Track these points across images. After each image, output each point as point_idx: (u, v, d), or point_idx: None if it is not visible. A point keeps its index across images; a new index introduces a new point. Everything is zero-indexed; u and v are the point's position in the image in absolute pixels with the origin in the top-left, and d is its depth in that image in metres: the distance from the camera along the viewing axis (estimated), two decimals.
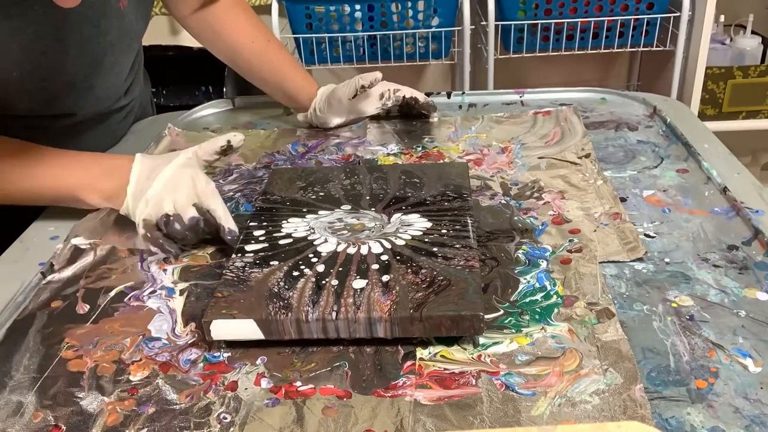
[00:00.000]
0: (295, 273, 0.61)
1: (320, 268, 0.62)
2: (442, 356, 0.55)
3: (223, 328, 0.56)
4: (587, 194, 0.78)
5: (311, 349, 0.57)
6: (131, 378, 0.55)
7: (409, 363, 0.55)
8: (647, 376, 0.52)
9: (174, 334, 0.60)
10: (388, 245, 0.65)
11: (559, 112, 1.00)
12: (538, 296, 0.61)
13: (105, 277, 0.69)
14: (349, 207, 0.73)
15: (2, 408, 0.53)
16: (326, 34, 1.73)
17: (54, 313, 0.64)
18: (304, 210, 0.73)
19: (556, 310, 0.59)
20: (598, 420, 0.48)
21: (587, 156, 0.86)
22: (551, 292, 0.62)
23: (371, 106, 0.99)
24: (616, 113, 1.01)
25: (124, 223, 0.75)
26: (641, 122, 0.97)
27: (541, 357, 0.54)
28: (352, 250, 0.64)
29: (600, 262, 0.65)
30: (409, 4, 1.70)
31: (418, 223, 0.69)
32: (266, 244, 0.66)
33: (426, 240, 0.65)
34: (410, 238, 0.66)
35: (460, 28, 1.75)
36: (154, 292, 0.66)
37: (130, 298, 0.65)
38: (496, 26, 1.73)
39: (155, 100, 1.19)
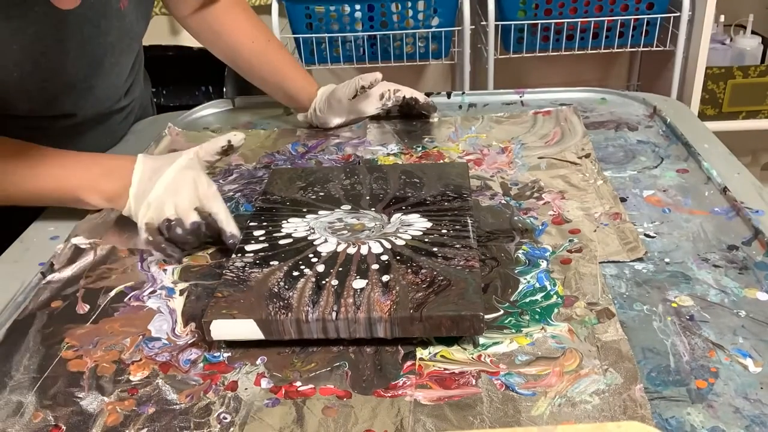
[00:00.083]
0: (295, 273, 0.61)
1: (320, 268, 0.62)
2: (442, 356, 0.55)
3: (223, 328, 0.56)
4: (587, 194, 0.78)
5: (311, 349, 0.57)
6: (131, 378, 0.55)
7: (409, 363, 0.55)
8: (647, 376, 0.52)
9: (174, 334, 0.60)
10: (388, 245, 0.65)
11: (559, 112, 1.00)
12: (538, 296, 0.61)
13: (105, 277, 0.69)
14: (349, 207, 0.73)
15: (2, 408, 0.53)
16: (326, 34, 1.73)
17: (54, 313, 0.64)
18: (304, 210, 0.73)
19: (556, 310, 0.59)
20: (598, 420, 0.48)
21: (587, 156, 0.86)
22: (551, 292, 0.62)
23: (371, 106, 0.99)
24: (616, 113, 1.01)
25: (124, 223, 0.75)
26: (641, 122, 0.97)
27: (541, 357, 0.54)
28: (352, 250, 0.64)
29: (600, 262, 0.65)
30: (409, 4, 1.70)
31: (418, 223, 0.69)
32: (266, 244, 0.66)
33: (426, 240, 0.65)
34: (410, 238, 0.66)
35: (460, 28, 1.75)
36: (154, 292, 0.66)
37: (130, 298, 0.65)
38: (496, 26, 1.73)
39: (155, 100, 1.19)
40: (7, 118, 0.79)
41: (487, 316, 0.57)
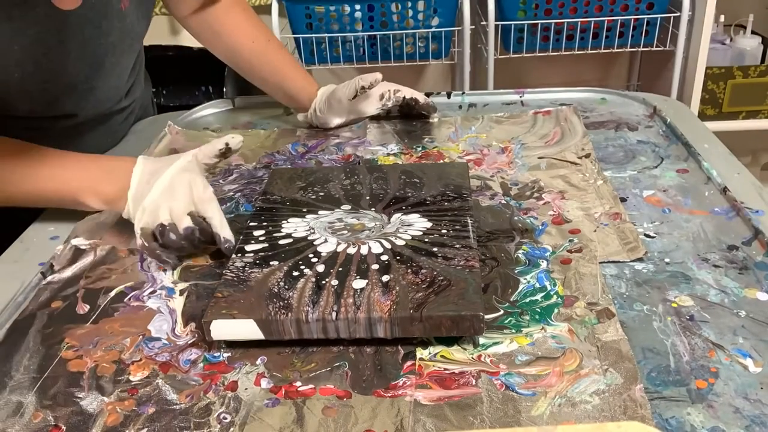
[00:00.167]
0: (295, 273, 0.61)
1: (320, 268, 0.62)
2: (442, 356, 0.55)
3: (223, 328, 0.56)
4: (587, 194, 0.78)
5: (311, 349, 0.57)
6: (131, 378, 0.55)
7: (409, 363, 0.55)
8: (647, 376, 0.52)
9: (174, 334, 0.60)
10: (388, 245, 0.65)
11: (559, 112, 1.00)
12: (538, 296, 0.61)
13: (105, 278, 0.69)
14: (349, 207, 0.73)
15: (2, 408, 0.53)
16: (326, 34, 1.73)
17: (54, 314, 0.64)
18: (304, 210, 0.73)
19: (556, 310, 0.59)
20: (598, 420, 0.48)
21: (587, 156, 0.86)
22: (551, 292, 0.62)
23: (371, 106, 0.99)
24: (616, 113, 1.01)
25: (124, 224, 0.75)
26: (641, 122, 0.97)
27: (541, 357, 0.54)
28: (352, 250, 0.64)
29: (600, 262, 0.65)
30: (409, 4, 1.70)
31: (418, 223, 0.69)
32: (266, 244, 0.66)
33: (426, 240, 0.65)
34: (410, 238, 0.66)
35: (460, 28, 1.74)
36: (154, 292, 0.66)
37: (130, 298, 0.65)
38: (496, 26, 1.73)
39: (155, 100, 1.19)
40: (8, 119, 0.79)
41: (487, 316, 0.57)
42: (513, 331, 0.57)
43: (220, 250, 0.71)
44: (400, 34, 1.75)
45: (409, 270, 0.61)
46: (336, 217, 0.71)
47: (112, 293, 0.66)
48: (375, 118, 1.01)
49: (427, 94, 1.04)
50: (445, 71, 2.12)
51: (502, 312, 0.59)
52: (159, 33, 1.94)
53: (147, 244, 0.69)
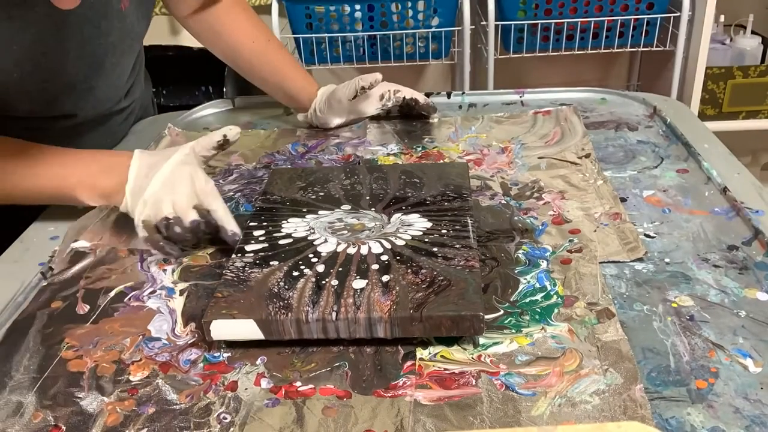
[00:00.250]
0: (295, 273, 0.61)
1: (320, 268, 0.62)
2: (442, 356, 0.55)
3: (223, 328, 0.56)
4: (587, 194, 0.78)
5: (311, 349, 0.57)
6: (131, 378, 0.55)
7: (409, 363, 0.55)
8: (647, 376, 0.52)
9: (174, 334, 0.60)
10: (388, 245, 0.65)
11: (559, 112, 1.00)
12: (538, 296, 0.61)
13: (105, 278, 0.69)
14: (349, 207, 0.73)
15: (2, 408, 0.53)
16: (326, 34, 1.73)
17: (54, 314, 0.64)
18: (304, 210, 0.73)
19: (556, 310, 0.59)
20: (598, 420, 0.48)
21: (587, 156, 0.86)
22: (551, 292, 0.62)
23: (371, 106, 0.99)
24: (616, 113, 1.01)
25: (123, 224, 0.75)
26: (641, 122, 0.97)
27: (541, 357, 0.54)
28: (352, 250, 0.64)
29: (600, 262, 0.65)
30: (409, 4, 1.70)
31: (418, 223, 0.69)
32: (266, 244, 0.66)
33: (426, 240, 0.65)
34: (410, 238, 0.66)
35: (460, 28, 1.74)
36: (154, 292, 0.66)
37: (130, 299, 0.65)
38: (496, 26, 1.73)
39: (155, 100, 1.19)
40: (8, 119, 0.79)
41: (487, 316, 0.57)
42: (513, 331, 0.57)
43: (220, 250, 0.71)
44: (400, 34, 1.75)
45: (409, 270, 0.61)
46: (336, 217, 0.71)
47: (112, 293, 0.66)
48: (375, 118, 1.01)
49: (427, 94, 1.05)
50: (445, 71, 2.12)
51: (502, 312, 0.59)
52: (159, 33, 1.94)
53: (149, 237, 0.69)
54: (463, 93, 1.10)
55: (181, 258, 0.70)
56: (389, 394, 0.52)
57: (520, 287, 0.62)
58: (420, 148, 0.92)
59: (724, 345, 0.55)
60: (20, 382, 0.56)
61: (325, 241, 0.66)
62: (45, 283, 0.68)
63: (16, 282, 0.68)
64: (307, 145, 0.96)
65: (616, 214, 0.73)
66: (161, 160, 0.73)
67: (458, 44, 1.80)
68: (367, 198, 0.75)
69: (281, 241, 0.67)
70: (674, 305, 0.59)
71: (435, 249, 0.64)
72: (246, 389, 0.53)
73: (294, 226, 0.70)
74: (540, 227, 0.72)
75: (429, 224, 0.68)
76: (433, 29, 1.73)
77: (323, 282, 0.60)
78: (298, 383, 0.54)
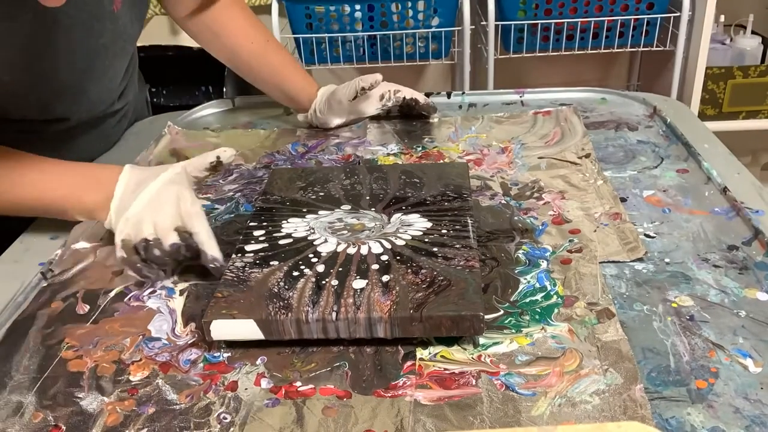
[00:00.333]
0: (295, 273, 0.61)
1: (320, 268, 0.62)
2: (442, 356, 0.55)
3: (223, 328, 0.56)
4: (587, 194, 0.78)
5: (311, 349, 0.57)
6: (131, 378, 0.55)
7: (409, 363, 0.55)
8: (647, 376, 0.52)
9: (174, 334, 0.60)
10: (388, 245, 0.65)
11: (559, 112, 1.00)
12: (538, 296, 0.61)
13: (105, 278, 0.69)
14: (349, 207, 0.73)
15: (2, 408, 0.53)
16: (326, 34, 1.73)
17: (54, 314, 0.64)
18: (304, 210, 0.73)
19: (556, 310, 0.59)
20: (598, 420, 0.48)
21: (587, 156, 0.86)
22: (551, 292, 0.62)
23: (371, 107, 0.99)
24: (616, 113, 1.01)
25: None
26: (641, 122, 0.97)
27: (541, 357, 0.54)
28: (352, 250, 0.64)
29: (600, 262, 0.65)
30: (409, 4, 1.70)
31: (418, 223, 0.69)
32: (266, 244, 0.66)
33: (426, 240, 0.65)
34: (410, 238, 0.66)
35: (460, 28, 1.74)
36: (154, 292, 0.66)
37: (130, 298, 0.65)
38: (496, 26, 1.73)
39: (155, 100, 1.19)
40: (0, 122, 0.79)
41: (487, 316, 0.57)
42: (513, 331, 0.57)
43: (220, 250, 0.71)
44: (400, 34, 1.75)
45: (409, 270, 0.61)
46: (336, 217, 0.71)
47: (112, 293, 0.66)
48: (375, 118, 1.01)
49: (427, 94, 1.05)
50: (445, 71, 2.12)
51: (502, 312, 0.59)
52: (159, 33, 1.94)
53: (127, 257, 0.66)
54: (463, 93, 1.10)
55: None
56: (389, 394, 0.52)
57: (520, 287, 0.62)
58: (420, 148, 0.92)
59: (724, 345, 0.55)
60: (20, 382, 0.56)
61: (325, 241, 0.66)
62: (45, 284, 0.68)
63: (16, 282, 0.68)
64: (307, 145, 0.96)
65: (616, 214, 0.73)
66: (150, 177, 0.70)
67: (458, 44, 1.80)
68: (367, 198, 0.75)
69: (281, 241, 0.67)
70: (674, 305, 0.59)
71: (435, 249, 0.64)
72: (246, 389, 0.53)
73: (294, 226, 0.70)
74: (540, 227, 0.72)
75: (429, 224, 0.68)
76: (433, 29, 1.73)
77: (323, 282, 0.60)
78: (298, 383, 0.54)
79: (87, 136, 0.93)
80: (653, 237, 0.69)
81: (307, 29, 1.73)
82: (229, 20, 0.99)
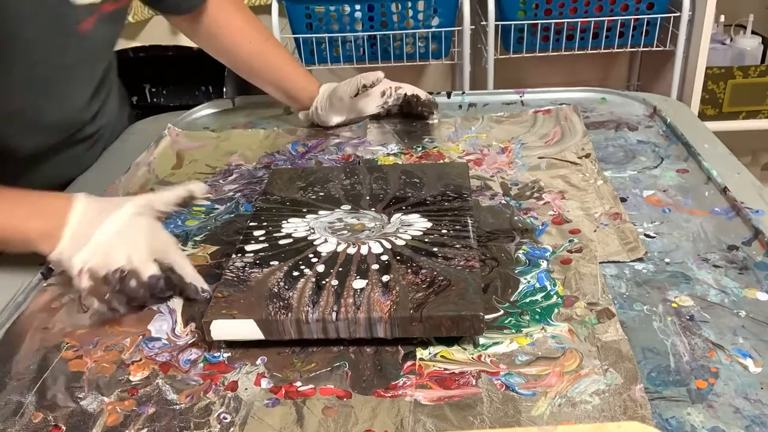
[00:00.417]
0: (295, 273, 0.61)
1: (320, 268, 0.62)
2: (442, 356, 0.55)
3: (223, 329, 0.56)
4: (587, 194, 0.78)
5: (311, 349, 0.57)
6: (131, 378, 0.55)
7: (409, 363, 0.55)
8: (647, 376, 0.52)
9: (174, 334, 0.60)
10: (388, 245, 0.65)
11: (559, 111, 1.00)
12: (539, 296, 0.61)
13: None
14: (349, 207, 0.73)
15: (2, 408, 0.53)
16: (326, 34, 1.73)
17: (54, 314, 0.64)
18: (304, 210, 0.73)
19: (556, 310, 0.59)
20: (598, 420, 0.48)
21: (587, 156, 0.86)
22: (551, 292, 0.62)
23: (372, 104, 0.99)
24: (616, 113, 1.01)
25: None
26: (641, 122, 0.97)
27: (541, 357, 0.54)
28: (352, 250, 0.64)
29: (600, 262, 0.65)
30: (409, 4, 1.70)
31: (418, 223, 0.69)
32: (266, 244, 0.66)
33: (426, 240, 0.65)
34: (410, 238, 0.66)
35: (460, 28, 1.74)
36: None
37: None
38: (496, 26, 1.73)
39: (155, 100, 1.19)
40: None
41: (487, 316, 0.57)
42: (513, 331, 0.57)
43: (220, 250, 0.71)
44: (400, 34, 1.74)
45: (409, 270, 0.61)
46: (336, 217, 0.71)
47: None
48: (375, 118, 1.01)
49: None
50: (445, 71, 2.12)
51: (502, 312, 0.59)
52: (159, 33, 1.94)
53: (94, 287, 0.61)
54: (463, 93, 1.10)
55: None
56: (389, 394, 0.52)
57: (520, 287, 0.62)
58: (420, 148, 0.92)
59: (724, 345, 0.55)
60: (20, 382, 0.56)
61: (325, 241, 0.66)
62: (45, 284, 0.68)
63: (16, 282, 0.68)
64: (307, 144, 0.96)
65: (616, 214, 0.73)
66: (112, 208, 0.65)
67: (458, 44, 1.80)
68: (367, 198, 0.75)
69: (281, 241, 0.67)
70: (674, 305, 0.59)
71: (435, 249, 0.64)
72: (246, 389, 0.53)
73: (294, 226, 0.70)
74: (540, 227, 0.72)
75: (429, 224, 0.68)
76: (433, 29, 1.73)
77: (323, 282, 0.60)
78: (298, 383, 0.54)
79: (51, 163, 0.87)
80: (653, 237, 0.69)
81: (307, 29, 1.73)
82: (226, 20, 0.98)
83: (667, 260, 0.66)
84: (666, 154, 0.87)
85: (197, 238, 0.74)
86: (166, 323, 0.61)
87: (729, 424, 0.48)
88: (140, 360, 0.57)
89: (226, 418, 0.51)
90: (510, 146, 0.91)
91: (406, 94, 0.99)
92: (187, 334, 0.60)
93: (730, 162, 0.84)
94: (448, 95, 1.10)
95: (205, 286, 0.63)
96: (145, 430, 0.50)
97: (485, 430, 0.48)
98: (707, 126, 0.95)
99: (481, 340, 0.56)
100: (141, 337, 0.60)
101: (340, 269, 0.61)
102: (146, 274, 0.62)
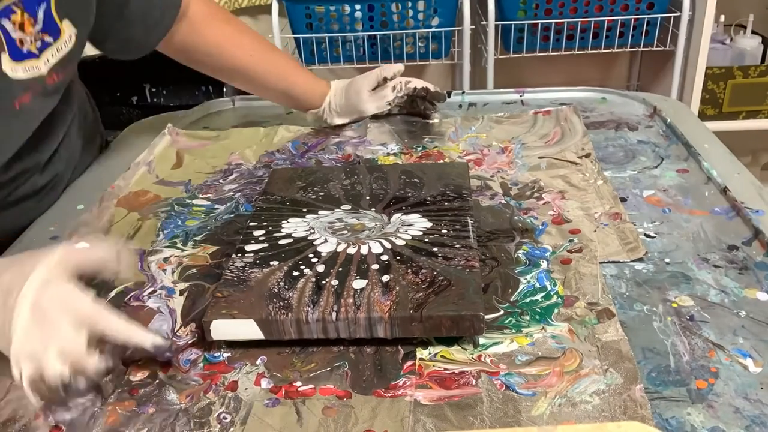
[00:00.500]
0: (295, 273, 0.61)
1: (320, 268, 0.62)
2: (442, 356, 0.55)
3: (223, 328, 0.56)
4: (587, 194, 0.78)
5: (311, 349, 0.57)
6: (131, 378, 0.55)
7: (409, 363, 0.55)
8: (647, 376, 0.52)
9: (174, 334, 0.60)
10: (388, 245, 0.65)
11: (559, 112, 1.00)
12: (539, 296, 0.61)
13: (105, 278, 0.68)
14: (349, 207, 0.73)
15: (2, 408, 0.53)
16: (326, 34, 1.73)
17: None
18: (304, 210, 0.73)
19: (556, 310, 0.59)
20: (598, 420, 0.48)
21: (587, 156, 0.86)
22: (551, 292, 0.62)
23: (383, 99, 0.98)
24: (616, 113, 1.01)
25: (123, 225, 0.75)
26: (641, 122, 0.97)
27: (541, 357, 0.54)
28: (352, 250, 0.64)
29: (600, 262, 0.65)
30: (409, 4, 1.70)
31: (418, 223, 0.69)
32: (266, 244, 0.66)
33: (426, 240, 0.65)
34: (410, 238, 0.66)
35: (460, 28, 1.74)
36: (154, 292, 0.66)
37: (130, 298, 0.65)
38: (496, 26, 1.73)
39: (155, 100, 1.18)
40: None
41: (487, 316, 0.57)
42: (513, 331, 0.57)
43: (220, 250, 0.70)
44: (400, 34, 1.75)
45: (409, 270, 0.61)
46: (336, 217, 0.71)
47: (112, 293, 0.66)
48: (375, 118, 1.01)
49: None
50: (445, 71, 2.12)
51: (502, 312, 0.59)
52: None
53: (43, 395, 0.51)
54: (463, 92, 1.10)
55: (181, 257, 0.68)
56: (389, 394, 0.52)
57: (520, 287, 0.62)
58: (420, 148, 0.92)
59: (724, 345, 0.55)
60: (20, 382, 0.55)
61: (325, 241, 0.66)
62: None
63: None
64: (307, 144, 0.96)
65: (616, 214, 0.73)
66: (15, 282, 0.52)
67: (458, 44, 1.80)
68: (367, 198, 0.75)
69: (281, 241, 0.67)
70: (674, 305, 0.59)
71: (435, 249, 0.64)
72: (246, 389, 0.53)
73: (294, 226, 0.70)
74: (540, 227, 0.72)
75: (429, 224, 0.68)
76: (433, 29, 1.73)
77: (323, 282, 0.60)
78: (298, 383, 0.54)
79: None
80: (653, 237, 0.69)
81: (307, 29, 1.73)
82: (218, 37, 0.93)
83: (667, 260, 0.66)
84: (666, 154, 0.87)
85: (197, 238, 0.74)
86: (166, 323, 0.61)
87: (729, 424, 0.48)
88: (140, 360, 0.57)
89: (226, 418, 0.51)
90: (510, 146, 0.91)
91: (416, 88, 0.99)
92: (187, 334, 0.60)
93: (730, 162, 0.84)
94: (448, 95, 1.10)
95: (158, 339, 0.54)
96: (145, 430, 0.50)
97: (485, 430, 0.48)
98: (707, 126, 0.95)
99: (481, 340, 0.56)
100: None
101: (340, 269, 0.61)
102: (92, 367, 0.51)
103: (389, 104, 0.99)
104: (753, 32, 1.87)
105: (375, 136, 0.97)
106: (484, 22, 1.75)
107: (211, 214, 0.79)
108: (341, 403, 0.51)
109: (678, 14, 1.70)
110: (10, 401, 0.54)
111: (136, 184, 0.87)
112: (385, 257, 0.63)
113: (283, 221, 0.71)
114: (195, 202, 0.82)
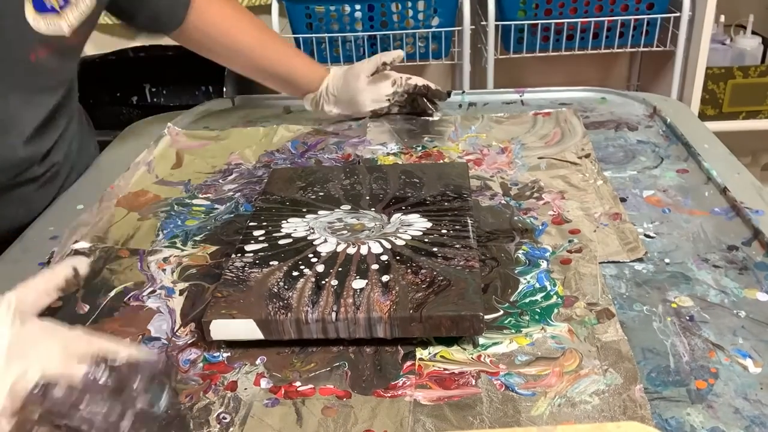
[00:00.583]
0: (295, 273, 0.61)
1: (320, 268, 0.62)
2: (441, 356, 0.55)
3: (222, 328, 0.56)
4: (587, 194, 0.78)
5: (311, 349, 0.57)
6: None
7: (408, 363, 0.55)
8: (647, 376, 0.52)
9: (174, 334, 0.60)
10: (387, 245, 0.65)
11: (558, 113, 1.00)
12: (538, 296, 0.61)
13: (105, 278, 0.69)
14: (348, 207, 0.73)
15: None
16: (326, 34, 1.73)
17: (54, 314, 0.64)
18: (304, 210, 0.73)
19: (556, 311, 0.59)
20: (597, 420, 0.48)
21: (587, 156, 0.86)
22: (551, 293, 0.62)
23: (382, 91, 0.98)
24: (616, 113, 1.01)
25: (124, 224, 0.75)
26: (641, 122, 0.97)
27: (541, 357, 0.54)
28: (351, 250, 0.64)
29: (600, 263, 0.65)
30: (409, 4, 1.70)
31: (418, 223, 0.69)
32: (266, 244, 0.66)
33: (426, 240, 0.65)
34: (410, 238, 0.66)
35: (460, 28, 1.74)
36: (153, 291, 0.66)
37: (129, 298, 0.65)
38: (496, 26, 1.73)
39: (155, 100, 1.18)
40: None
41: (487, 317, 0.57)
42: (513, 331, 0.57)
43: (220, 250, 0.70)
44: (400, 34, 1.74)
45: (409, 270, 0.61)
46: (336, 217, 0.71)
47: (112, 293, 0.66)
48: (375, 117, 1.01)
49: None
50: (445, 71, 2.11)
51: (501, 312, 0.59)
52: None
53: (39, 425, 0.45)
54: (463, 92, 1.10)
55: (180, 256, 0.69)
56: (389, 394, 0.52)
57: (520, 287, 0.62)
58: (420, 148, 0.92)
59: (724, 345, 0.55)
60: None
61: (325, 241, 0.66)
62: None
63: (16, 282, 0.68)
64: (307, 143, 0.96)
65: (616, 214, 0.73)
66: None
67: (458, 44, 1.80)
68: (367, 198, 0.75)
69: (281, 241, 0.67)
70: (674, 305, 0.59)
71: (435, 249, 0.64)
72: (246, 389, 0.53)
73: (294, 226, 0.70)
74: (540, 227, 0.72)
75: (429, 224, 0.68)
76: (433, 29, 1.73)
77: (323, 282, 0.60)
78: (298, 383, 0.54)
79: None
80: (653, 237, 0.69)
81: (307, 29, 1.73)
82: (216, 17, 0.94)
83: (666, 260, 0.65)
84: (666, 154, 0.87)
85: (197, 238, 0.74)
86: (166, 323, 0.61)
87: (729, 424, 0.48)
88: None
89: (225, 418, 0.51)
90: (510, 146, 0.91)
91: (416, 85, 0.99)
92: (186, 334, 0.60)
93: (730, 162, 0.84)
94: (448, 94, 1.10)
95: (152, 356, 0.49)
96: (145, 429, 0.50)
97: (485, 430, 0.48)
98: (707, 126, 0.95)
99: (481, 340, 0.56)
100: (141, 337, 0.60)
101: (340, 269, 0.61)
102: (78, 375, 0.45)
103: (388, 100, 0.99)
104: (753, 32, 1.87)
105: (375, 136, 0.97)
106: (484, 22, 1.75)
107: (211, 214, 0.79)
108: (341, 403, 0.51)
109: (678, 14, 1.70)
110: None
111: (136, 184, 0.87)
112: (384, 257, 0.63)
113: (283, 221, 0.71)
114: (195, 202, 0.82)
